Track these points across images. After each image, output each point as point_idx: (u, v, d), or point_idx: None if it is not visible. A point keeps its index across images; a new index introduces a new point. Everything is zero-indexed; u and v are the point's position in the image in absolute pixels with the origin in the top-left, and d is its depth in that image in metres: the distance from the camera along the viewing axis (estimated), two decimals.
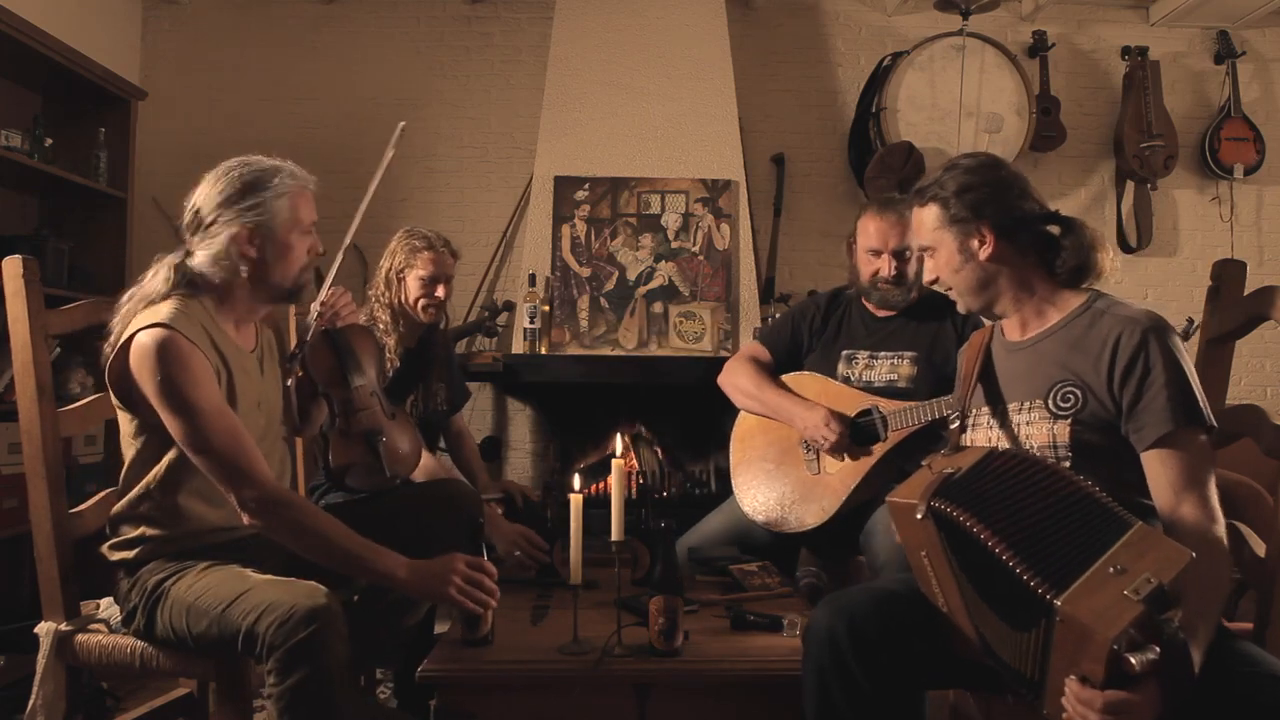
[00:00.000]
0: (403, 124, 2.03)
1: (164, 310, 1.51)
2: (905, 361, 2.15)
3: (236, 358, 1.61)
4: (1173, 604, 1.06)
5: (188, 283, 1.59)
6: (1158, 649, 1.04)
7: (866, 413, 2.07)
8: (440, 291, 2.35)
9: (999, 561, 1.14)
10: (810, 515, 2.10)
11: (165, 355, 1.45)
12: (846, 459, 2.08)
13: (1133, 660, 1.03)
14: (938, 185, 1.50)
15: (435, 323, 2.44)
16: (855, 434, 2.06)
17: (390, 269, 2.37)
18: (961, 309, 1.56)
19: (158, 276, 1.59)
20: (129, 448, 1.58)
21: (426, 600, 1.69)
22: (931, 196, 1.50)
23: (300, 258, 1.64)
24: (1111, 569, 1.08)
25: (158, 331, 1.47)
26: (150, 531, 1.55)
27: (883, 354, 2.18)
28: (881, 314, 2.25)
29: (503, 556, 2.15)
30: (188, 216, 1.59)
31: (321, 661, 1.35)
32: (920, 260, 2.17)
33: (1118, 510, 1.18)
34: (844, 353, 2.22)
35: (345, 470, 1.79)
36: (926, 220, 1.51)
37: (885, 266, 2.17)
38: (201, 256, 1.57)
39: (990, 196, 1.46)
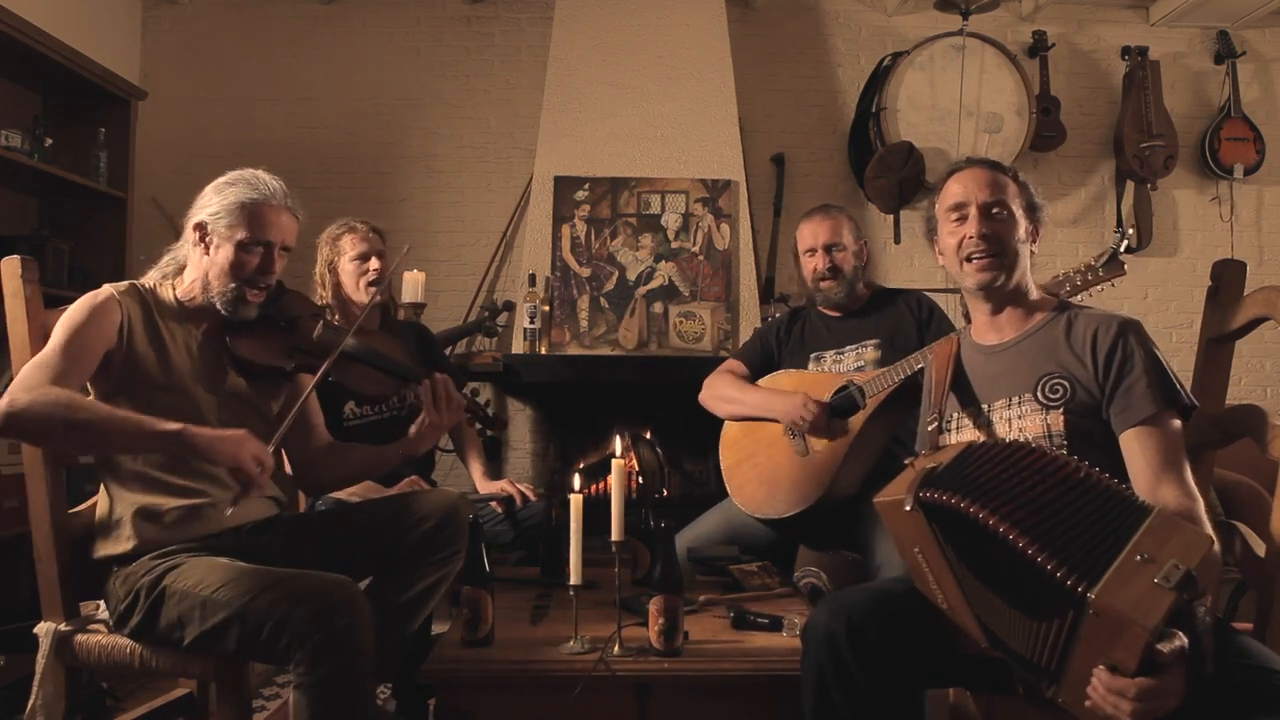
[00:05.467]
0: (408, 246, 2.13)
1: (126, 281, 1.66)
2: (869, 348, 2.24)
3: (180, 335, 1.65)
4: (1202, 590, 1.05)
5: (181, 269, 1.72)
6: (1185, 638, 1.04)
7: (843, 388, 2.13)
8: (375, 264, 2.31)
9: (1005, 549, 1.13)
10: (808, 494, 2.11)
11: (80, 299, 1.57)
12: (832, 435, 2.11)
13: (1163, 649, 1.04)
14: (1008, 168, 1.55)
15: (385, 308, 2.42)
16: (836, 410, 2.11)
17: (322, 269, 2.34)
18: (980, 282, 1.48)
19: (160, 260, 1.75)
20: None
21: (220, 459, 1.46)
22: (1010, 174, 1.53)
23: (234, 267, 1.62)
24: (1139, 557, 1.08)
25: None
26: (128, 530, 1.55)
27: (848, 348, 2.28)
28: (838, 315, 2.34)
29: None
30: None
31: (352, 652, 1.36)
32: (859, 256, 2.30)
33: (1131, 495, 1.20)
34: (811, 355, 2.32)
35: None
36: (1008, 186, 1.51)
37: (820, 261, 2.28)
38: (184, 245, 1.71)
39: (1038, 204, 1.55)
